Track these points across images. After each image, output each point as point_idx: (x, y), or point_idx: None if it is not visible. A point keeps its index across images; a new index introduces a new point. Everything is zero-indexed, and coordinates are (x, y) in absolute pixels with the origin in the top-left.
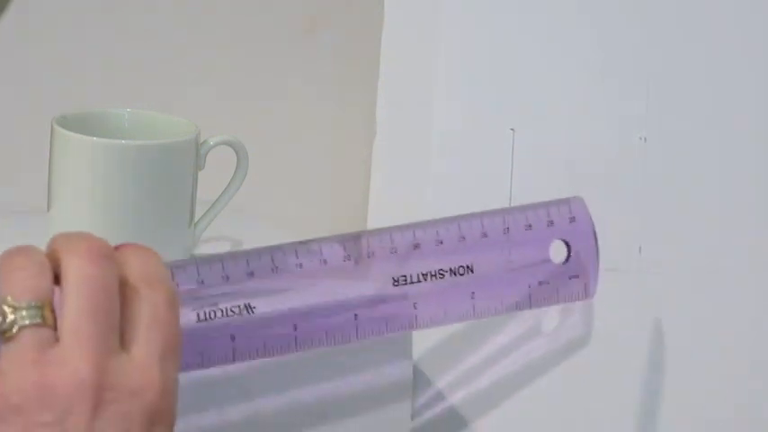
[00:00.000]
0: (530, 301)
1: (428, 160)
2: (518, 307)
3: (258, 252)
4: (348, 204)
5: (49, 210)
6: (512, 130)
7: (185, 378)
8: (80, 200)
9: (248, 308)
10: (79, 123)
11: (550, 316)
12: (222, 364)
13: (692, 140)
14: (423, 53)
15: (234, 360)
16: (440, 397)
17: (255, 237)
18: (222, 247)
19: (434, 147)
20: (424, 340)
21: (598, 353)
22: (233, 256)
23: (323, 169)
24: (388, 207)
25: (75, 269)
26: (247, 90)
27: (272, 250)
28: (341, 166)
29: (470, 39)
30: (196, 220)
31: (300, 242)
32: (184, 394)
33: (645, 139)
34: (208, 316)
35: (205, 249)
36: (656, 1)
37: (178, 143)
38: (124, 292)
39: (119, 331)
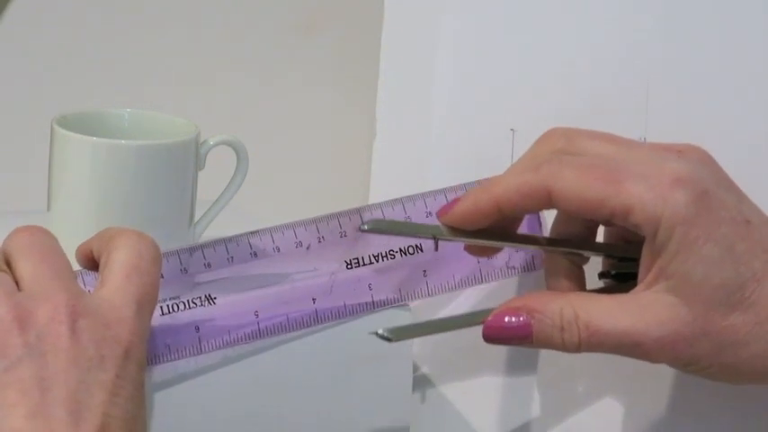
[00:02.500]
0: (480, 276)
1: (428, 160)
2: (470, 282)
3: (213, 243)
4: (348, 204)
5: (48, 210)
6: (512, 130)
7: (182, 378)
8: (80, 200)
9: (209, 298)
10: (79, 123)
11: None
12: (190, 356)
13: (692, 140)
14: (423, 53)
15: (201, 351)
16: (440, 397)
17: None
18: None
19: (434, 147)
20: (424, 340)
21: (599, 353)
22: (189, 249)
23: (323, 169)
24: None
25: (17, 240)
26: (247, 90)
27: (226, 241)
28: (341, 166)
29: (470, 39)
30: (196, 220)
31: (252, 232)
32: (185, 394)
33: (645, 139)
34: (171, 309)
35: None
36: (656, 1)
37: (178, 143)
38: (111, 243)
39: (78, 283)
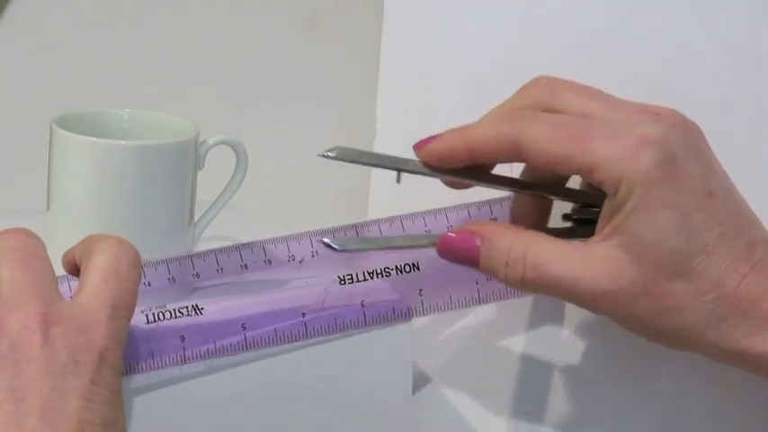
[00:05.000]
0: (478, 297)
1: None
2: (467, 303)
3: (203, 254)
4: (348, 204)
5: (48, 210)
6: None
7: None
8: (79, 200)
9: (196, 308)
10: (79, 123)
11: (552, 315)
12: (174, 365)
13: None
14: (423, 53)
15: (185, 361)
16: (440, 396)
17: (255, 236)
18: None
19: None
20: (424, 340)
21: (599, 353)
22: (178, 258)
23: (323, 169)
24: (389, 208)
25: (3, 242)
26: (247, 90)
27: (217, 252)
28: (341, 166)
29: (470, 39)
30: (196, 219)
31: (243, 244)
32: (184, 395)
33: None
34: (156, 317)
35: (205, 249)
36: (656, 1)
37: (177, 143)
38: (90, 248)
39: (58, 288)
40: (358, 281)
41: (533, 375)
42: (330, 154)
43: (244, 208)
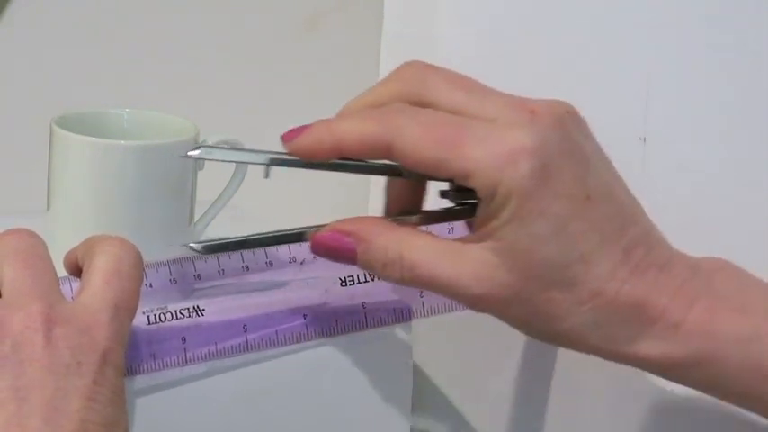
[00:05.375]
0: None
1: None
2: None
3: (204, 256)
4: (348, 204)
5: (48, 210)
6: None
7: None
8: (79, 200)
9: (197, 310)
10: (78, 123)
11: None
12: (175, 366)
13: (692, 140)
14: (423, 53)
15: (186, 362)
16: (440, 397)
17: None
18: None
19: None
20: (424, 340)
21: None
22: (180, 260)
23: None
24: None
25: (3, 244)
26: (247, 90)
27: (218, 253)
28: None
29: (470, 39)
30: (195, 219)
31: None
32: (185, 396)
33: (645, 139)
34: (158, 318)
35: None
36: (656, 0)
37: (177, 143)
38: (93, 249)
39: (60, 288)
40: (359, 282)
41: (533, 375)
42: (193, 154)
43: (244, 208)
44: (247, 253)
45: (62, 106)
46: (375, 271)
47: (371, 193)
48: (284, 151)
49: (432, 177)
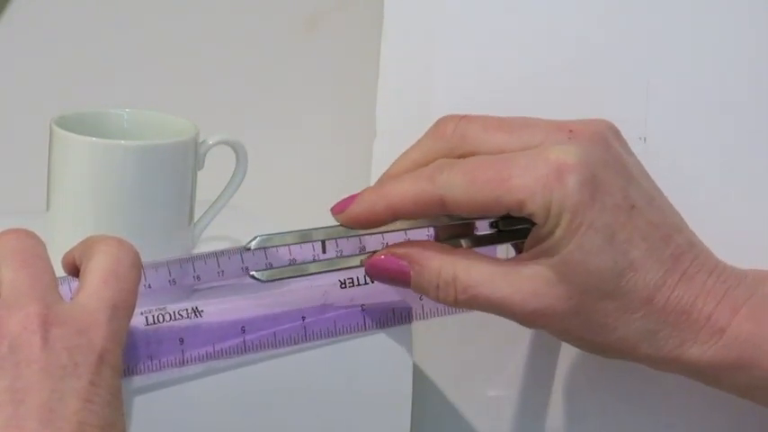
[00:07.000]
0: None
1: None
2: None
3: (204, 256)
4: None
5: (48, 210)
6: None
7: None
8: (79, 200)
9: (196, 311)
10: (78, 124)
11: None
12: (173, 367)
13: (692, 140)
14: (423, 53)
15: (184, 363)
16: (440, 397)
17: None
18: (222, 247)
19: None
20: (424, 340)
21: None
22: (179, 260)
23: (323, 169)
24: None
25: (2, 244)
26: (247, 90)
27: (218, 255)
28: (341, 166)
29: (470, 39)
30: (196, 219)
31: (245, 247)
32: (183, 397)
33: (645, 139)
34: (156, 319)
35: (205, 249)
36: (657, 0)
37: (177, 143)
38: (90, 249)
39: (58, 289)
40: (359, 284)
41: (533, 376)
42: (252, 245)
43: (244, 208)
44: (247, 254)
45: (62, 106)
46: (429, 294)
47: None
48: (336, 224)
49: (491, 217)
